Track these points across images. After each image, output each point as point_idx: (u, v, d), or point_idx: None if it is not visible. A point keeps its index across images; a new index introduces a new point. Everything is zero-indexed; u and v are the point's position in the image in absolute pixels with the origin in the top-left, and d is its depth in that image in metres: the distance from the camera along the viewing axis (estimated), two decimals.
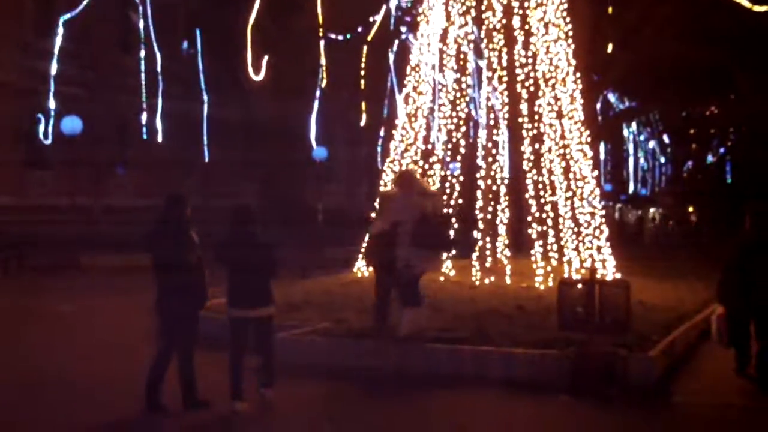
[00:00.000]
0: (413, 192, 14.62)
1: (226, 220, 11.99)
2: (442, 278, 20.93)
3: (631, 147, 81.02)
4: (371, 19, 44.97)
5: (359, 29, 46.42)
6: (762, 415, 11.89)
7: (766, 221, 14.11)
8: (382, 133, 47.41)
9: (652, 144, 79.15)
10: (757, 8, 36.75)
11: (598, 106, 47.69)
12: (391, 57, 48.72)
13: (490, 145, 22.22)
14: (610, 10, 37.98)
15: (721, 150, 68.76)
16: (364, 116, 50.26)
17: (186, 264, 11.42)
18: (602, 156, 64.21)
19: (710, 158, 68.38)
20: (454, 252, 14.22)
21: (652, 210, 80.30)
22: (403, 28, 44.43)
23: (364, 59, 48.19)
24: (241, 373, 11.66)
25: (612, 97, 57.54)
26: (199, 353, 11.75)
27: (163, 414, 11.37)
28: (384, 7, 43.90)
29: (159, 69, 43.68)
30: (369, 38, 47.00)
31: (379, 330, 14.63)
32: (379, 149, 48.71)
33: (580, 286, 15.84)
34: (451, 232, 14.70)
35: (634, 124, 73.53)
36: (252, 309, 11.81)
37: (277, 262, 12.17)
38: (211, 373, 11.87)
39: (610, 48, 38.13)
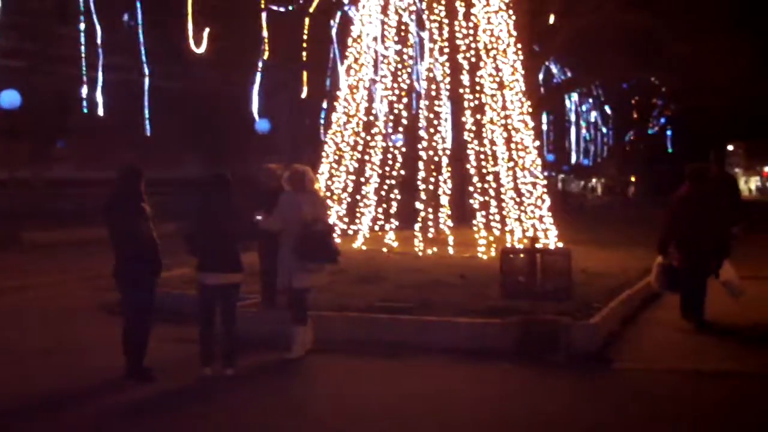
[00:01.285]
0: (302, 193, 13.32)
1: (200, 189, 12.37)
2: (385, 249, 21.01)
3: (573, 117, 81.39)
4: None
5: (301, 1, 46.28)
6: (699, 380, 12.01)
7: (701, 179, 15.98)
8: (324, 105, 47.32)
9: (594, 114, 79.54)
10: None
11: (541, 76, 47.84)
12: (334, 29, 48.59)
13: (431, 116, 22.21)
14: None
15: (662, 120, 69.22)
16: (306, 88, 50.13)
17: (142, 234, 11.58)
18: (545, 126, 64.43)
19: (652, 128, 68.80)
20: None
21: (594, 180, 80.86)
22: (345, 0, 44.28)
23: (306, 31, 48.04)
24: (209, 339, 11.95)
25: (554, 68, 57.72)
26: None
27: (149, 381, 11.54)
28: None
29: (99, 41, 43.24)
30: (311, 10, 46.87)
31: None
32: (321, 121, 48.63)
33: (522, 255, 16.02)
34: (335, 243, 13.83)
35: (576, 95, 73.82)
36: (223, 275, 12.11)
37: (250, 229, 12.99)
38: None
39: (551, 19, 38.17)
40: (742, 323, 15.57)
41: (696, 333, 15.02)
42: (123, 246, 11.62)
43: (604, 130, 77.24)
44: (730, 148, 76.23)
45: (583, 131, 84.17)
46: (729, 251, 16.09)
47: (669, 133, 72.38)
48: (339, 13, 47.25)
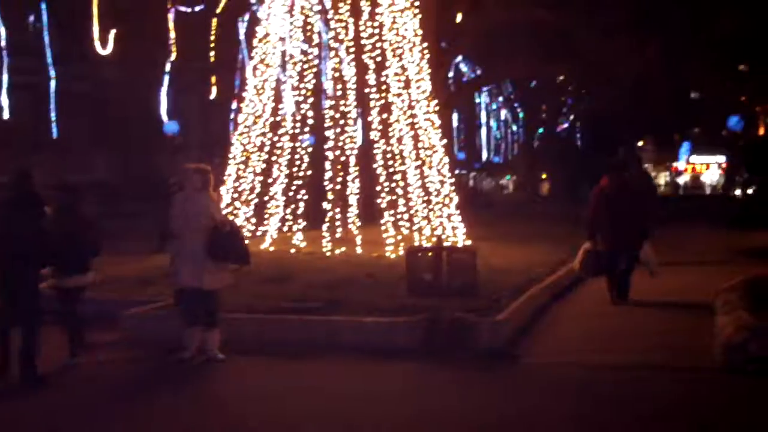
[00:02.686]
0: (201, 192, 12.99)
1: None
2: (293, 250, 20.97)
3: (483, 115, 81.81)
4: None
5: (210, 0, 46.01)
6: (604, 373, 12.16)
7: (620, 173, 18.45)
8: (234, 106, 47.08)
9: (504, 113, 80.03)
10: None
11: (450, 74, 48.03)
12: (242, 29, 48.36)
13: (338, 115, 22.19)
14: None
15: (571, 117, 69.85)
16: (214, 89, 49.86)
17: (33, 235, 11.62)
18: (456, 124, 64.69)
19: (561, 126, 69.41)
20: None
21: (506, 177, 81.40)
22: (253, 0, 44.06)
23: (213, 31, 47.77)
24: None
25: (463, 66, 57.95)
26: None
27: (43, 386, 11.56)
28: None
29: (3, 43, 42.59)
30: (218, 10, 46.61)
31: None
32: (231, 122, 48.36)
33: (428, 253, 16.13)
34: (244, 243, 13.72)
35: (486, 93, 74.21)
36: (69, 278, 12.63)
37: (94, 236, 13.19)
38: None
39: (459, 17, 38.31)
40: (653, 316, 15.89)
41: (604, 326, 15.25)
42: (10, 247, 11.55)
43: (515, 128, 77.74)
44: (639, 144, 77.03)
45: (494, 129, 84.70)
46: (648, 235, 17.91)
47: (578, 130, 72.99)
48: (247, 13, 46.97)
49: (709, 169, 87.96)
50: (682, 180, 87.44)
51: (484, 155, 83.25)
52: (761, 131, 64.46)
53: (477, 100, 76.14)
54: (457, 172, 34.17)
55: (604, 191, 17.69)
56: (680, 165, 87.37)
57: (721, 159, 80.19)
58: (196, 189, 12.92)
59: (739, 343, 12.03)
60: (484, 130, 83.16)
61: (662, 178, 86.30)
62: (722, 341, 12.41)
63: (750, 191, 43.98)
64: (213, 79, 49.73)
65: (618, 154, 59.74)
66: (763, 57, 46.13)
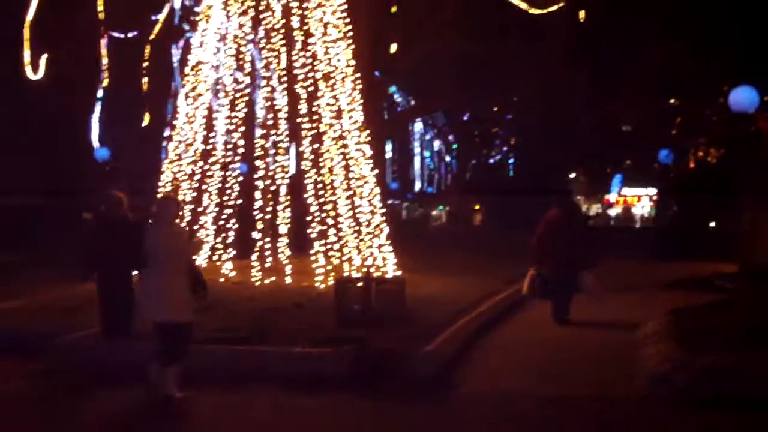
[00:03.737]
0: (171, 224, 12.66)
1: None
2: (222, 279, 20.87)
3: (417, 145, 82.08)
4: (154, 17, 44.33)
5: (144, 26, 45.74)
6: (534, 403, 12.20)
7: (566, 204, 20.19)
8: (166, 134, 46.80)
9: (437, 143, 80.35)
10: (533, 10, 37.97)
11: (384, 104, 48.15)
12: (175, 56, 48.13)
13: (269, 145, 22.17)
14: (393, 9, 38.30)
15: (504, 148, 70.35)
16: (147, 116, 49.54)
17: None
18: (389, 154, 64.83)
19: (494, 157, 69.88)
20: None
21: (438, 208, 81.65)
22: (187, 27, 43.91)
23: (147, 58, 47.50)
24: None
25: (397, 96, 58.17)
26: None
27: None
28: (167, 5, 43.34)
29: None
30: (152, 36, 46.35)
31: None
32: (163, 149, 48.05)
33: (357, 283, 16.12)
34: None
35: (420, 124, 74.52)
36: None
37: None
38: None
39: (393, 47, 38.44)
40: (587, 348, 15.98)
41: (532, 356, 15.32)
42: None
43: (448, 158, 78.07)
44: (572, 175, 77.68)
45: (428, 159, 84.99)
46: (590, 263, 19.06)
47: (511, 161, 73.48)
48: (181, 41, 46.77)
49: (640, 201, 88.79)
50: (613, 212, 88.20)
51: (417, 185, 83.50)
52: (691, 164, 65.17)
53: (411, 130, 76.39)
54: (389, 202, 34.14)
55: (552, 220, 19.06)
56: (612, 197, 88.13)
57: (652, 191, 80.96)
58: (172, 221, 12.66)
59: (664, 374, 12.12)
60: (417, 160, 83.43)
61: (593, 210, 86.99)
62: (647, 372, 12.50)
63: (679, 224, 44.47)
64: (146, 106, 49.41)
65: (550, 186, 60.14)
66: (692, 91, 46.75)
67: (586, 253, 19.07)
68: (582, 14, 40.59)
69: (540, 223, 19.33)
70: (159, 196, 13.36)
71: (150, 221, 13.15)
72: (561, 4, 39.31)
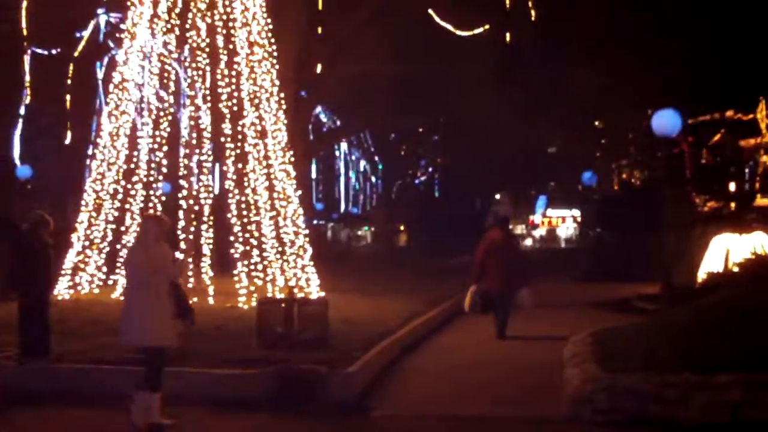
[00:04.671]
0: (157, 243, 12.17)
1: None
2: None
3: (342, 166, 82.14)
4: (79, 34, 44.01)
5: (68, 43, 45.33)
6: (456, 425, 12.20)
7: (505, 225, 21.74)
8: (90, 152, 46.33)
9: (363, 164, 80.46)
10: (459, 32, 38.26)
11: (310, 125, 48.11)
12: (100, 73, 47.75)
13: (193, 164, 22.04)
14: (319, 29, 38.37)
15: (430, 169, 70.62)
16: (69, 134, 49.06)
17: None
18: (314, 175, 64.78)
19: (419, 177, 70.12)
20: None
21: (364, 228, 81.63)
22: (112, 44, 43.60)
23: (70, 75, 47.08)
24: None
25: (323, 116, 58.17)
26: None
27: None
28: (92, 22, 43.07)
29: None
30: (76, 54, 45.97)
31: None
32: (86, 168, 47.56)
33: (279, 305, 16.03)
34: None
35: (345, 144, 74.58)
36: None
37: None
38: None
39: (318, 68, 38.46)
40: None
41: (455, 378, 15.32)
42: None
43: (374, 178, 78.19)
44: (497, 196, 78.15)
45: (353, 180, 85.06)
46: (527, 280, 20.55)
47: (436, 182, 73.82)
48: (106, 58, 46.40)
49: (564, 222, 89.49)
50: (538, 233, 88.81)
51: (343, 206, 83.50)
52: (615, 186, 65.82)
53: (336, 151, 76.43)
54: (314, 222, 34.10)
55: (492, 240, 20.20)
56: (536, 218, 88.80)
57: (576, 213, 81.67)
58: (156, 240, 12.11)
59: (586, 395, 12.16)
60: (342, 181, 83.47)
61: (518, 230, 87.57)
62: (570, 393, 12.55)
63: (603, 245, 44.86)
64: (68, 123, 48.94)
65: (475, 206, 60.59)
66: (616, 114, 47.29)
67: (523, 271, 20.61)
68: (508, 37, 40.96)
69: (480, 244, 20.39)
70: (144, 215, 12.96)
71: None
72: (487, 27, 39.65)
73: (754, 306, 13.70)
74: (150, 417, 11.79)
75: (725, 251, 25.40)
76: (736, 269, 23.02)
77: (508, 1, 40.85)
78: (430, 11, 38.67)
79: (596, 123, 54.82)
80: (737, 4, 42.80)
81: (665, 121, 24.03)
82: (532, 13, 41.22)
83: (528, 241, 75.99)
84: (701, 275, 25.48)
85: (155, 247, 11.95)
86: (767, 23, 46.16)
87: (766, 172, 59.41)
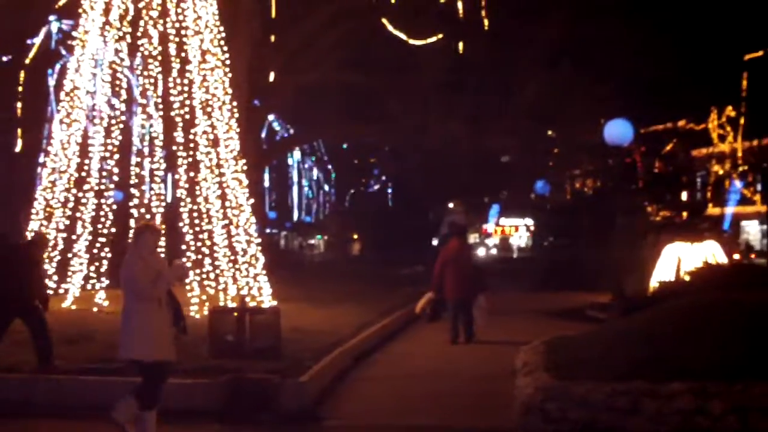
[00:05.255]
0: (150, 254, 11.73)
1: None
2: (96, 309, 20.54)
3: (295, 175, 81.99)
4: (30, 41, 43.69)
5: (19, 50, 44.99)
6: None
7: (463, 234, 23.29)
8: (41, 160, 45.96)
9: (316, 172, 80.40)
10: (412, 41, 38.34)
11: (264, 134, 48.02)
12: (51, 81, 47.40)
13: (145, 172, 21.92)
14: (272, 38, 38.29)
15: (383, 178, 70.68)
16: (20, 141, 48.64)
17: None
18: (267, 184, 64.61)
19: (372, 186, 70.19)
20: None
21: (317, 237, 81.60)
22: (63, 51, 43.30)
23: (21, 82, 46.69)
24: None
25: (276, 124, 58.06)
26: None
27: None
28: (44, 29, 42.79)
29: None
30: (27, 61, 45.61)
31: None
32: (37, 176, 47.16)
33: (231, 314, 15.97)
34: None
35: (298, 153, 74.48)
36: None
37: None
38: None
39: (272, 76, 38.37)
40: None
41: (407, 388, 15.33)
42: None
43: (327, 187, 78.16)
44: (450, 205, 78.30)
45: (306, 188, 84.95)
46: (483, 287, 21.76)
47: (389, 191, 73.87)
48: (57, 65, 46.07)
49: (518, 231, 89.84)
50: (491, 242, 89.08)
51: (296, 215, 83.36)
52: (567, 195, 66.17)
53: (290, 159, 76.31)
54: (267, 231, 34.01)
55: (450, 250, 21.37)
56: (490, 227, 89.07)
57: (530, 222, 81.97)
58: (152, 251, 11.79)
59: (537, 404, 12.19)
60: (295, 189, 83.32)
61: (471, 239, 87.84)
62: (521, 402, 12.57)
63: (555, 254, 45.12)
64: (19, 131, 48.52)
65: (428, 216, 60.74)
66: (569, 123, 47.52)
67: (480, 279, 21.97)
68: (461, 46, 41.06)
69: (440, 254, 21.73)
70: (140, 225, 12.66)
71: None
72: (440, 36, 39.73)
73: (705, 315, 13.79)
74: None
75: (677, 260, 25.57)
76: (687, 278, 23.21)
77: (461, 11, 40.90)
78: (383, 20, 38.67)
79: (549, 132, 55.02)
80: (690, 16, 43.23)
81: (617, 130, 24.28)
82: (485, 22, 41.33)
83: (481, 251, 76.13)
84: (653, 284, 25.63)
85: (151, 257, 11.60)
86: (719, 35, 46.73)
87: (717, 181, 60.19)
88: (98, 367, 14.30)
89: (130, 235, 20.91)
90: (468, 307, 21.17)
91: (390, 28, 38.86)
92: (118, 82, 22.61)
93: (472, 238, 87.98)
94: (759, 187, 56.62)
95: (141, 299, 11.26)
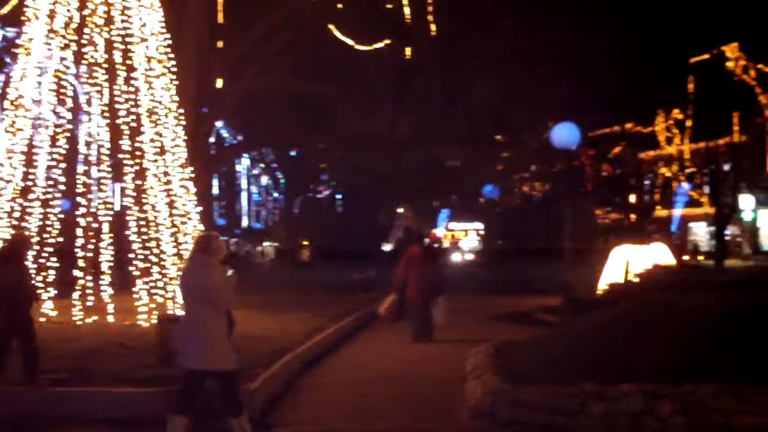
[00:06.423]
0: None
1: None
2: (43, 319, 20.34)
3: (244, 182, 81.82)
4: None
5: None
6: None
7: (419, 241, 24.60)
8: None
9: (265, 178, 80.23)
10: (360, 47, 38.35)
11: (212, 140, 47.88)
12: None
13: (91, 181, 21.75)
14: (219, 44, 38.15)
15: (332, 184, 70.70)
16: None
17: None
18: (216, 191, 64.45)
19: (321, 192, 70.18)
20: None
21: (265, 243, 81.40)
22: (8, 60, 42.94)
23: None
24: None
25: (224, 131, 57.94)
26: None
27: None
28: None
29: None
30: None
31: None
32: None
33: (179, 322, 15.84)
34: None
35: (247, 159, 74.36)
36: None
37: None
38: None
39: (219, 83, 38.23)
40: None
41: (357, 394, 15.29)
42: None
43: (276, 194, 78.01)
44: (400, 210, 78.45)
45: (255, 195, 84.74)
46: (442, 290, 22.54)
47: (339, 196, 73.92)
48: (2, 74, 45.68)
49: (467, 235, 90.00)
50: (466, 246, 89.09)
51: (245, 221, 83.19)
52: (517, 199, 66.55)
53: (238, 166, 76.14)
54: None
55: (412, 255, 22.48)
56: (439, 232, 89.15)
57: (479, 226, 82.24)
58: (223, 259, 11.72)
59: (487, 408, 12.20)
60: (244, 196, 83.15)
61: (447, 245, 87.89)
62: (471, 405, 12.58)
63: (505, 258, 45.33)
64: None
65: (378, 221, 60.76)
66: (518, 128, 47.81)
67: (439, 282, 22.74)
68: (408, 51, 41.14)
69: (402, 259, 22.78)
70: (201, 233, 12.41)
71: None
72: (387, 42, 39.79)
73: (653, 317, 13.87)
74: None
75: (625, 262, 25.71)
76: (636, 280, 23.36)
77: (408, 17, 40.98)
78: (330, 26, 38.68)
79: (498, 137, 55.31)
80: (637, 20, 43.60)
81: (564, 134, 24.47)
82: (432, 28, 41.44)
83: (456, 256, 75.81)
84: (602, 286, 25.77)
85: (214, 265, 11.52)
86: (666, 39, 47.17)
87: (665, 183, 60.79)
88: (47, 378, 14.14)
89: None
90: (428, 309, 22.11)
91: (337, 33, 38.87)
92: (63, 90, 22.40)
93: (446, 242, 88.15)
94: (706, 189, 57.15)
95: (219, 309, 11.34)
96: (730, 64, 52.21)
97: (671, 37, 48.73)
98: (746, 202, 59.03)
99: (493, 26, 41.36)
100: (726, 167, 52.15)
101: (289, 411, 14.07)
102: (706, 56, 52.70)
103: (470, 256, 79.48)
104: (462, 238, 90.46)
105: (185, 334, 11.53)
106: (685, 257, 38.58)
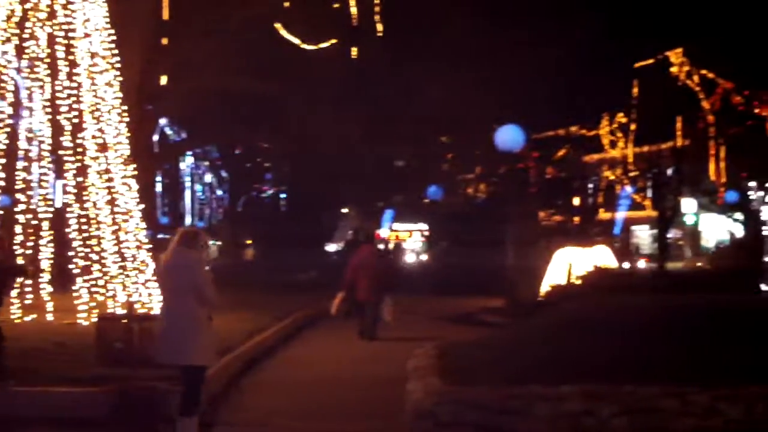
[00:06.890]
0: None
1: None
2: None
3: (188, 179, 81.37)
4: None
5: None
6: None
7: (372, 240, 27.67)
8: None
9: (209, 176, 79.91)
10: (305, 46, 38.25)
11: (156, 138, 47.54)
12: None
13: (32, 177, 21.50)
14: (164, 41, 37.85)
15: (277, 182, 70.55)
16: None
17: None
18: (159, 188, 64.02)
19: (266, 191, 70.02)
20: None
21: (209, 242, 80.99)
22: None
23: None
24: None
25: (168, 129, 57.55)
26: None
27: None
28: None
29: None
30: None
31: None
32: None
33: (120, 321, 15.75)
34: None
35: (191, 157, 73.99)
36: None
37: None
38: None
39: (164, 79, 37.92)
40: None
41: (301, 394, 15.26)
42: None
43: (220, 192, 77.73)
44: (345, 210, 78.45)
45: (199, 193, 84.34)
46: (391, 287, 24.06)
47: (283, 195, 73.73)
48: None
49: (412, 236, 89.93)
50: (419, 248, 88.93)
51: (188, 219, 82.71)
52: (461, 200, 66.71)
53: (182, 164, 75.73)
54: (159, 236, 33.63)
55: (362, 255, 23.34)
56: (383, 232, 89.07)
57: (424, 227, 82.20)
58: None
59: (428, 409, 12.13)
60: (188, 194, 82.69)
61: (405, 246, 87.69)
62: (412, 407, 12.52)
63: (448, 259, 45.41)
64: None
65: (321, 221, 60.72)
66: (463, 129, 47.94)
67: (389, 282, 23.84)
68: (355, 51, 41.08)
69: (352, 258, 23.58)
70: (186, 228, 12.14)
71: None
72: (334, 41, 39.71)
73: (594, 318, 13.92)
74: None
75: (568, 264, 25.84)
76: (578, 282, 23.50)
77: (354, 17, 40.92)
78: (276, 25, 38.52)
79: (443, 138, 55.43)
80: (582, 23, 43.81)
81: (508, 136, 24.54)
82: (378, 27, 41.42)
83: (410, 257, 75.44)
84: (545, 288, 25.86)
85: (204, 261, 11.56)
86: (611, 43, 47.46)
87: (609, 186, 61.23)
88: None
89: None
90: (376, 308, 23.09)
91: (283, 32, 38.73)
92: (3, 85, 22.10)
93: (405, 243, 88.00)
94: (649, 192, 57.69)
95: (204, 304, 11.18)
96: (674, 69, 52.67)
97: (616, 42, 49.05)
98: (688, 205, 59.69)
99: (441, 27, 41.37)
100: (669, 171, 52.65)
101: (232, 411, 14.01)
102: (651, 61, 53.08)
103: (424, 257, 79.60)
104: (406, 239, 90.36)
105: (166, 329, 11.42)
106: (627, 262, 38.86)
